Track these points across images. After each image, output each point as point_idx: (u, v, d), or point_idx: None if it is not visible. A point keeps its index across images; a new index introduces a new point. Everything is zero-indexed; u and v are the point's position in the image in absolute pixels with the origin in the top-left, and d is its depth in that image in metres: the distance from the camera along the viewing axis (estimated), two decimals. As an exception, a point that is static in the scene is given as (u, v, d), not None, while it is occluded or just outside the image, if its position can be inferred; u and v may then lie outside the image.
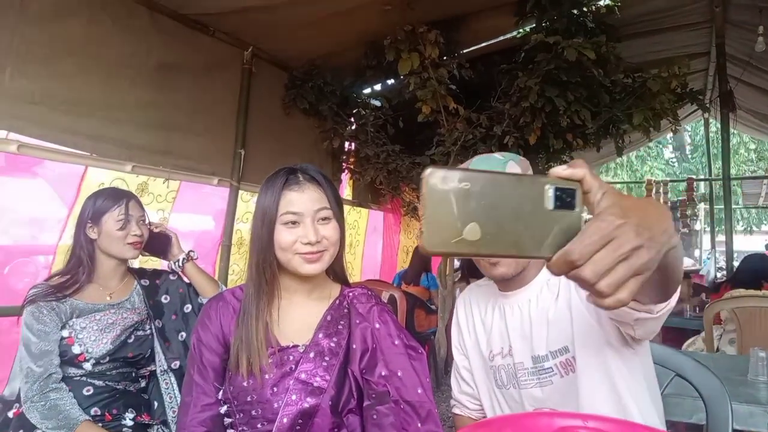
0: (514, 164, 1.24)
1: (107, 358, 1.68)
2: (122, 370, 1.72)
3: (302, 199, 1.21)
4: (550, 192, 0.53)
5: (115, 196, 1.78)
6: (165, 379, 1.80)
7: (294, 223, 1.21)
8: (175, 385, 1.79)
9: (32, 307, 1.64)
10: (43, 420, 1.55)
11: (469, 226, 0.51)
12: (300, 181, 1.23)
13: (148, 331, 1.80)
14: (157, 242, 1.94)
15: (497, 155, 1.27)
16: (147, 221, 1.86)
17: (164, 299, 1.89)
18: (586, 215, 0.55)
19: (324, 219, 1.23)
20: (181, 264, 1.94)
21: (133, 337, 1.75)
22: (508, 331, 1.26)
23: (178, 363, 1.81)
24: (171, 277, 1.95)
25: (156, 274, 1.95)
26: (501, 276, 1.24)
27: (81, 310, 1.70)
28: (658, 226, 0.55)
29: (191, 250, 1.98)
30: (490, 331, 1.31)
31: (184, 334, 1.86)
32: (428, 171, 0.51)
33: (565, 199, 0.53)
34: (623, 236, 0.51)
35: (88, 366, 1.66)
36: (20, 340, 1.64)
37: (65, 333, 1.66)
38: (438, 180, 0.51)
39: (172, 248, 1.96)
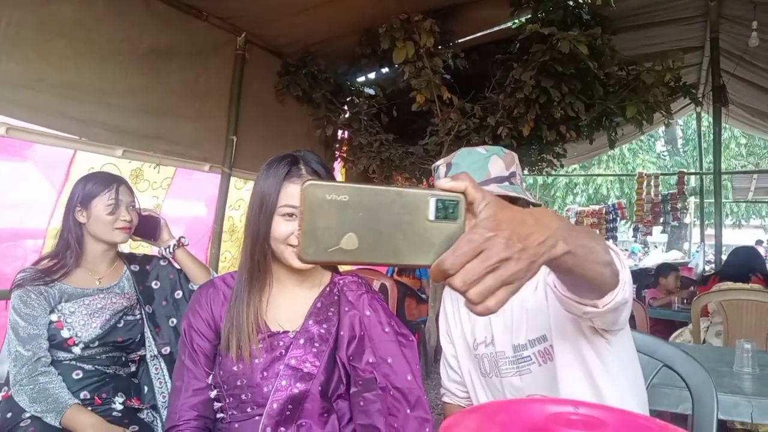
0: (497, 158, 1.25)
1: (96, 343, 1.67)
2: (112, 354, 1.72)
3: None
4: (432, 203, 0.56)
5: (105, 180, 1.77)
6: (155, 365, 1.80)
7: (291, 215, 1.21)
8: (165, 371, 1.79)
9: (20, 291, 1.64)
10: (32, 403, 1.55)
11: (346, 236, 0.54)
12: (302, 174, 1.23)
13: (138, 316, 1.79)
14: (147, 226, 1.93)
15: (481, 149, 1.27)
16: (137, 207, 1.85)
17: (154, 285, 1.89)
18: None
19: None
20: (171, 250, 1.93)
21: (122, 321, 1.75)
22: (491, 320, 1.27)
23: (168, 348, 1.81)
24: (161, 262, 1.94)
25: (146, 259, 1.94)
26: None
27: (70, 295, 1.69)
28: (533, 237, 0.57)
29: (182, 236, 1.97)
30: (474, 321, 1.33)
31: (174, 320, 1.86)
32: (306, 184, 0.54)
33: (447, 210, 0.56)
34: (492, 248, 0.54)
35: (77, 350, 1.65)
36: (8, 324, 1.63)
37: (54, 317, 1.65)
38: (316, 193, 0.53)
39: (162, 232, 1.94)
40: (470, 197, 0.57)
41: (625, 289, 0.87)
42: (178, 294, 1.91)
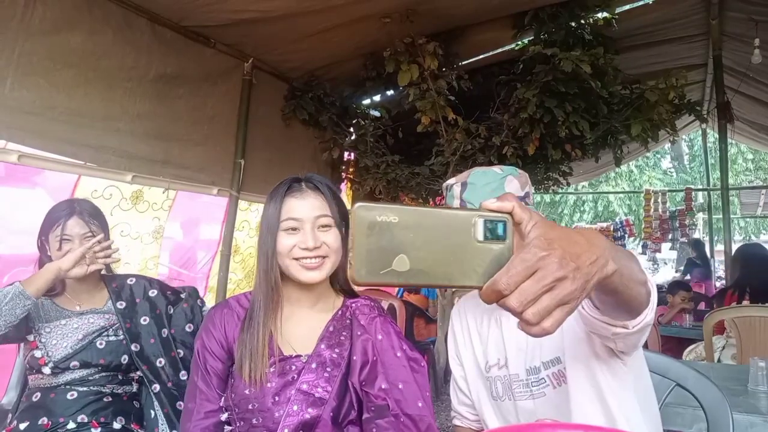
0: (512, 178, 1.24)
1: (75, 363, 1.63)
2: (105, 374, 1.68)
3: (302, 206, 1.23)
4: (479, 224, 0.56)
5: (57, 213, 1.70)
6: (150, 402, 1.75)
7: (294, 229, 1.22)
8: (158, 408, 1.73)
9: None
10: None
11: (397, 257, 0.54)
12: (302, 189, 1.26)
13: (121, 337, 1.73)
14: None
15: (496, 169, 1.27)
16: (98, 234, 1.71)
17: (143, 321, 1.80)
18: None
19: (324, 226, 1.25)
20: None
21: (103, 341, 1.69)
22: (504, 342, 1.25)
23: (157, 387, 1.73)
24: (150, 294, 1.85)
25: (135, 292, 1.83)
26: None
27: (49, 315, 1.69)
28: (586, 256, 0.57)
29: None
30: (486, 342, 1.31)
31: (162, 360, 1.77)
32: (357, 206, 0.54)
33: (495, 230, 0.56)
34: (547, 267, 0.53)
35: (47, 370, 1.61)
36: None
37: (30, 337, 1.65)
38: (366, 215, 0.54)
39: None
40: (517, 217, 0.57)
41: (653, 309, 0.87)
42: (165, 332, 1.82)
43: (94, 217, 1.75)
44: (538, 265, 0.53)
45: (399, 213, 0.54)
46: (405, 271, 0.54)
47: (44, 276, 1.56)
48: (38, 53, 2.40)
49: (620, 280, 0.65)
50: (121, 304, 1.78)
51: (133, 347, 1.74)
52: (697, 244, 8.16)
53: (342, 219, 1.28)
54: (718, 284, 7.59)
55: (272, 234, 1.23)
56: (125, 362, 1.72)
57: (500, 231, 0.56)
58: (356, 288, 1.40)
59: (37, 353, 1.63)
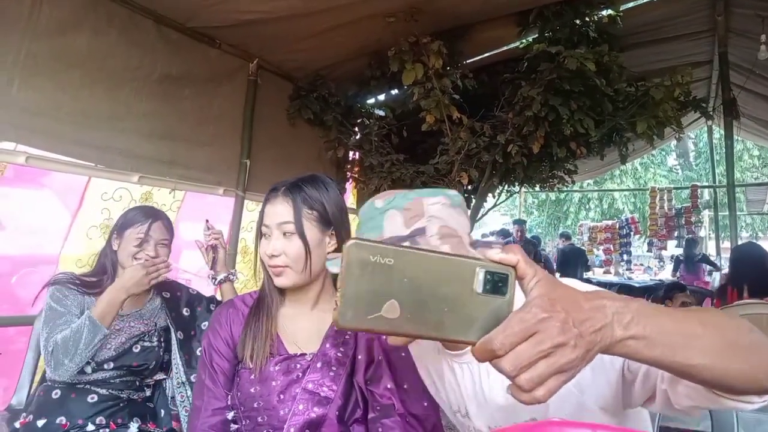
0: (395, 213, 0.97)
1: (111, 365, 1.69)
2: (126, 378, 1.74)
3: (271, 212, 1.25)
4: (480, 275, 0.52)
5: (144, 214, 1.82)
6: (181, 392, 1.81)
7: (267, 235, 1.24)
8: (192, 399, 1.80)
9: (57, 286, 1.69)
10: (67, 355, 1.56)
11: (388, 303, 0.50)
12: (276, 195, 1.25)
13: (155, 343, 1.81)
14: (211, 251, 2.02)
15: (378, 203, 0.99)
16: (169, 244, 1.87)
17: (185, 312, 1.92)
18: None
19: (287, 233, 1.23)
20: (217, 282, 1.99)
21: (139, 346, 1.77)
22: (462, 392, 1.05)
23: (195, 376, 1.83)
24: (190, 291, 1.99)
25: (176, 286, 1.98)
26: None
27: None
28: (590, 323, 0.52)
29: (231, 272, 2.02)
30: (443, 386, 1.10)
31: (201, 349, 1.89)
32: (351, 242, 0.50)
33: (496, 283, 0.52)
34: (546, 331, 0.49)
35: (88, 369, 1.67)
36: (36, 325, 1.67)
37: None
38: (360, 253, 0.50)
39: (218, 262, 2.00)
40: (521, 272, 0.53)
41: None
42: (204, 325, 1.93)
43: (170, 229, 1.87)
44: (537, 328, 0.49)
45: (395, 255, 0.50)
46: (394, 318, 0.50)
47: (112, 302, 1.62)
48: (44, 54, 2.41)
49: (648, 350, 0.55)
50: (166, 294, 1.91)
51: (178, 335, 1.83)
52: (689, 243, 8.16)
53: (321, 225, 1.25)
54: (724, 281, 7.55)
55: (258, 238, 1.28)
56: (151, 367, 1.79)
57: (501, 284, 0.52)
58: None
59: None
